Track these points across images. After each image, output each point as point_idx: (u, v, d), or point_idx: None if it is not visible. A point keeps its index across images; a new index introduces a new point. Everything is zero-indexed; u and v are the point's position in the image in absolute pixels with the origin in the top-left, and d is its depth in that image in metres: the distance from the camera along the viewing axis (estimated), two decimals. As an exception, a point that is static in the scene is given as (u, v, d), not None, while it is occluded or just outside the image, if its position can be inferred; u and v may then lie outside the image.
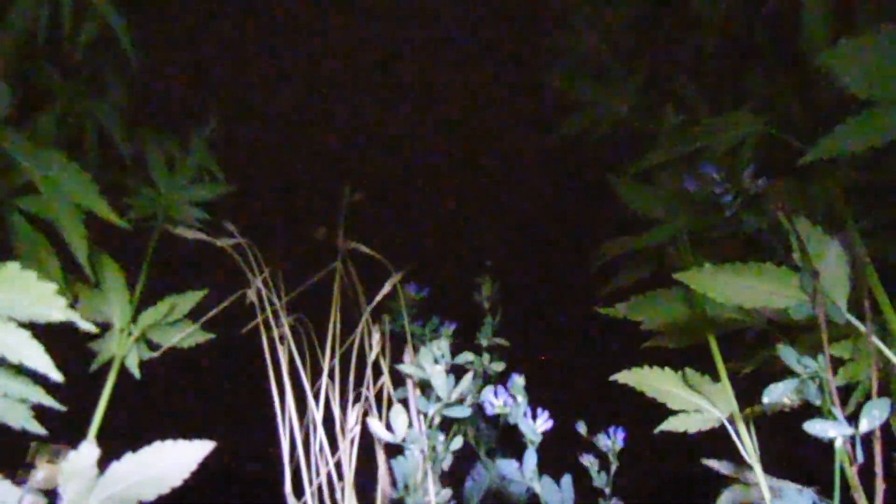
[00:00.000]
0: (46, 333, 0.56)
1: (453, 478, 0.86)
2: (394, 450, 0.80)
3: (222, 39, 1.26)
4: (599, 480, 0.87)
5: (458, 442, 0.81)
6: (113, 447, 0.59)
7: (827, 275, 0.67)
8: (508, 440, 0.99)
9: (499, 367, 0.96)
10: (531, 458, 0.71)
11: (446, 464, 0.81)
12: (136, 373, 0.86)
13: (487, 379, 0.96)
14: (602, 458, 0.88)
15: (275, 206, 1.46)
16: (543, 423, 0.76)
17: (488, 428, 1.00)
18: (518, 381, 0.80)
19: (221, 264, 1.00)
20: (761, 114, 0.84)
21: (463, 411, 0.77)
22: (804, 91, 0.83)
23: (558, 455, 0.80)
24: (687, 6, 0.98)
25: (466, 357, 0.82)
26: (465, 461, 0.93)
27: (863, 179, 0.80)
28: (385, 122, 1.40)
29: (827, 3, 0.74)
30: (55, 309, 0.54)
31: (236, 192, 1.05)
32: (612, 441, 0.87)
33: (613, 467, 0.87)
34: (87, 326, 0.55)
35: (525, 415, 0.76)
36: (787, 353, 0.67)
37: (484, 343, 1.01)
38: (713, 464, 0.85)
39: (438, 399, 0.75)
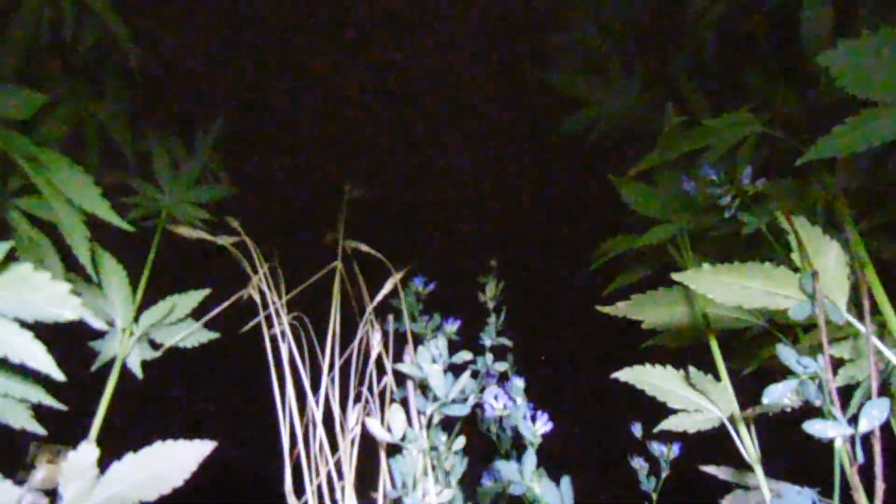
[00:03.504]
0: (47, 334, 0.56)
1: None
2: (394, 449, 0.80)
3: (226, 41, 1.26)
4: (648, 485, 0.87)
5: (460, 442, 0.81)
6: (113, 447, 0.60)
7: (826, 275, 0.67)
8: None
9: (502, 366, 0.96)
10: (530, 459, 0.71)
11: (449, 463, 0.81)
12: (139, 373, 0.86)
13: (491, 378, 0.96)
14: (652, 462, 0.88)
15: (276, 205, 1.46)
16: (543, 424, 0.75)
17: (500, 429, 0.99)
18: (517, 382, 0.80)
19: (224, 263, 1.00)
20: (761, 114, 0.84)
21: (462, 410, 0.76)
22: (804, 91, 0.83)
23: (560, 455, 0.80)
24: (687, 6, 0.98)
25: (464, 356, 0.81)
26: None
27: (862, 180, 0.79)
28: (387, 121, 1.40)
29: (827, 2, 0.74)
30: (69, 309, 0.54)
31: (238, 191, 1.05)
32: (666, 448, 0.87)
33: (664, 474, 0.87)
34: (99, 325, 0.56)
35: (524, 416, 0.76)
36: (786, 354, 0.67)
37: (487, 343, 1.00)
38: (712, 470, 0.85)
39: (436, 398, 0.75)
